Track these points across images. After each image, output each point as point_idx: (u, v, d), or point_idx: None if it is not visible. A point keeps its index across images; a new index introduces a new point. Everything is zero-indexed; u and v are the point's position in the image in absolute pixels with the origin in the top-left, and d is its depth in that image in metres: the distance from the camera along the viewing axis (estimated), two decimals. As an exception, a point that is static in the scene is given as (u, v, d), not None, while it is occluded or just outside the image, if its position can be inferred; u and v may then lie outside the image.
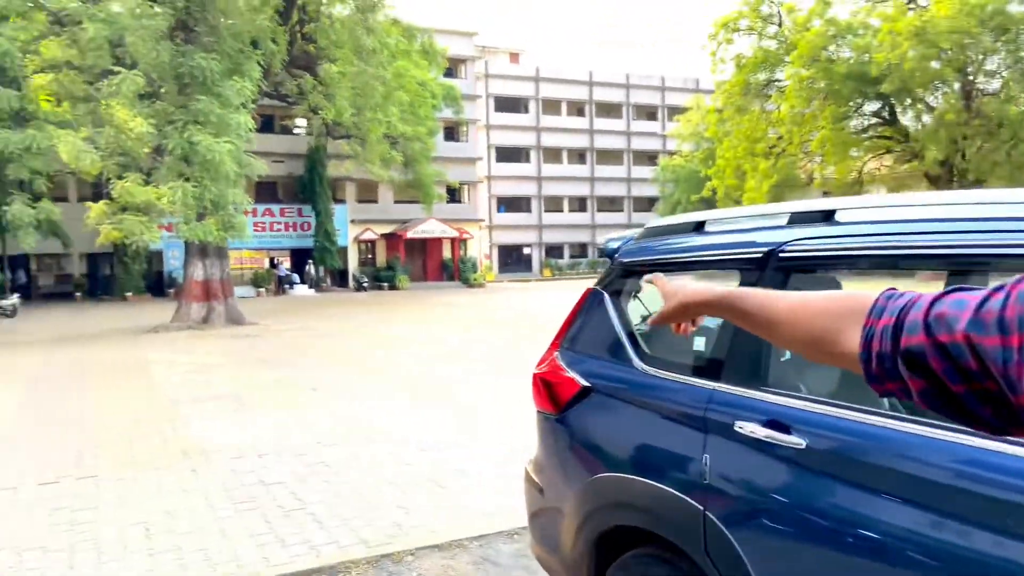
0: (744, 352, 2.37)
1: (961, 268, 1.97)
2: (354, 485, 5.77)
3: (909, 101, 28.82)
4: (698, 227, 2.78)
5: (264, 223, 38.18)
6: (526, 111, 55.72)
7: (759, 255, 2.41)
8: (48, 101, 17.75)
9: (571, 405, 2.93)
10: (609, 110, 58.74)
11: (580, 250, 58.46)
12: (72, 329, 20.81)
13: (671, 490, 2.41)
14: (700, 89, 54.89)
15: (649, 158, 59.52)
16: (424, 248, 44.34)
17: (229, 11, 17.50)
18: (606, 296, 3.03)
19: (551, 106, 56.55)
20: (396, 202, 43.33)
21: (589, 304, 3.11)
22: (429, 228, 42.18)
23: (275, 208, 39.44)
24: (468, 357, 13.20)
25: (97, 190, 29.93)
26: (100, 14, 16.88)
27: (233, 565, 4.31)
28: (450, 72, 42.51)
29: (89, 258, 37.92)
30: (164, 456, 6.77)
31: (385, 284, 40.96)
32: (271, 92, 24.45)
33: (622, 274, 3.04)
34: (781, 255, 2.34)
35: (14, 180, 21.37)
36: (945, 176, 28.45)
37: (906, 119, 29.86)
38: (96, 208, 17.28)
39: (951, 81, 27.42)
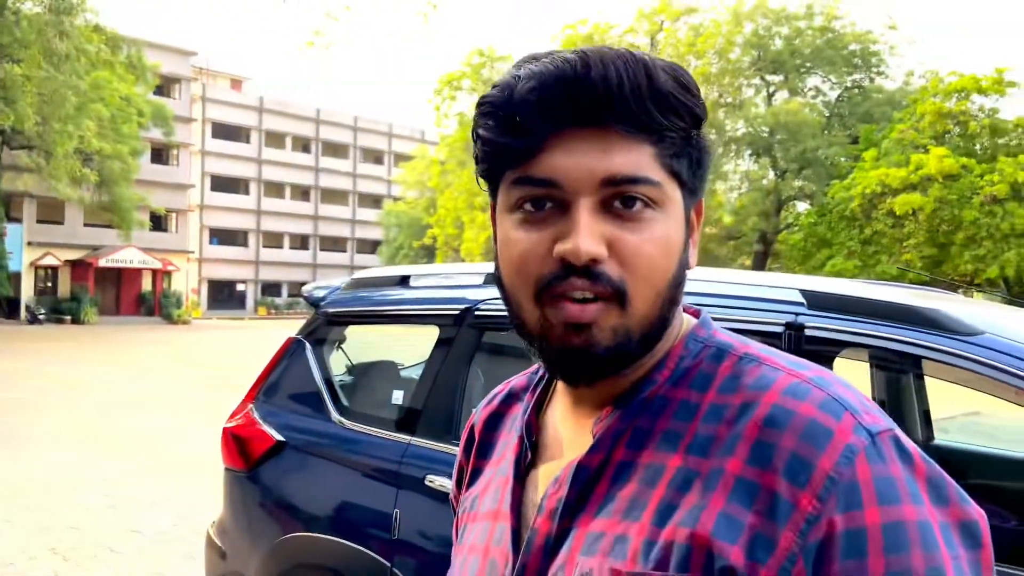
0: (438, 406, 2.43)
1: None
2: (3, 553, 4.91)
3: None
4: (403, 281, 2.82)
5: (-91, 239, 31.81)
6: (247, 141, 53.27)
7: (457, 312, 2.51)
8: None
9: (263, 461, 2.77)
10: (336, 150, 58.31)
11: (299, 289, 56.48)
12: None
13: (359, 547, 2.37)
14: (426, 140, 56.77)
15: (374, 201, 59.90)
16: (119, 279, 39.91)
17: None
18: (308, 346, 2.93)
19: (275, 139, 54.70)
20: (87, 225, 38.58)
21: (289, 354, 2.99)
22: (126, 256, 38.10)
23: (-75, 222, 33.07)
24: (153, 404, 12.01)
25: None
26: None
27: None
28: (161, 90, 39.36)
29: None
30: None
31: (68, 317, 36.05)
32: (-70, 86, 20.70)
33: (326, 323, 2.98)
34: (476, 313, 2.46)
35: None
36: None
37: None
38: None
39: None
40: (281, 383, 2.95)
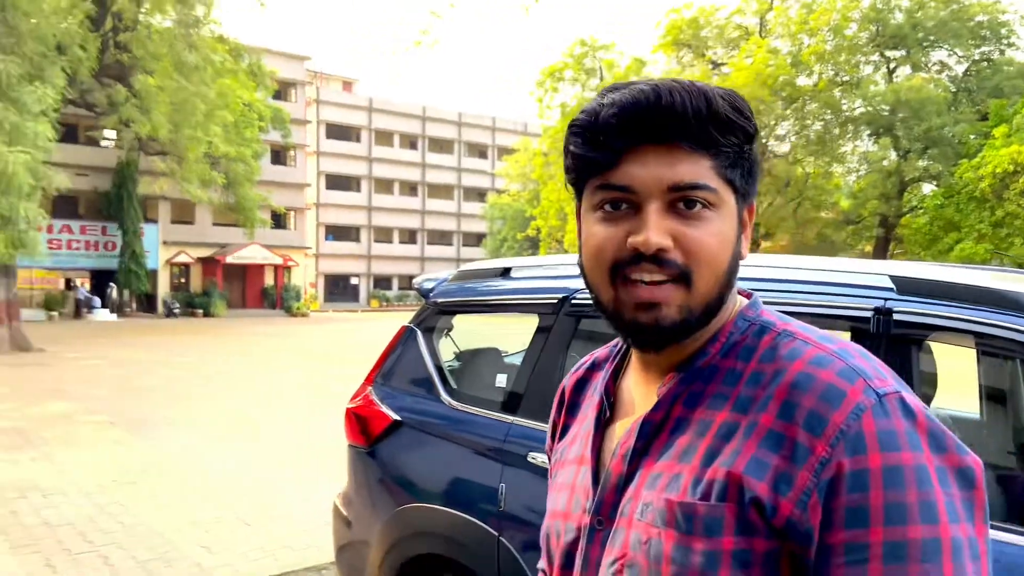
0: (539, 388, 2.59)
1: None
2: (152, 525, 5.46)
3: (711, 158, 31.68)
4: (504, 272, 3.00)
5: (60, 240, 34.91)
6: (358, 140, 55.27)
7: (555, 301, 2.66)
8: None
9: (381, 438, 3.03)
10: (441, 145, 59.59)
11: (408, 282, 58.33)
12: None
13: (471, 518, 2.57)
14: (528, 132, 57.09)
15: (479, 195, 60.84)
16: (244, 274, 42.40)
17: (32, 12, 16.08)
18: (419, 333, 3.17)
19: (384, 137, 56.49)
20: (215, 225, 41.20)
21: (403, 341, 3.23)
22: (251, 254, 40.44)
23: (75, 225, 36.18)
24: (282, 391, 12.81)
25: None
26: None
27: (7, 616, 3.96)
28: (279, 95, 41.41)
29: None
30: (-74, 499, 6.04)
31: (199, 311, 38.66)
32: (76, 100, 22.66)
33: (436, 313, 3.20)
34: (573, 302, 2.61)
35: None
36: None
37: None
38: None
39: (747, 143, 30.50)
40: (396, 368, 3.19)
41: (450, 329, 3.27)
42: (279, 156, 44.90)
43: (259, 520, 5.63)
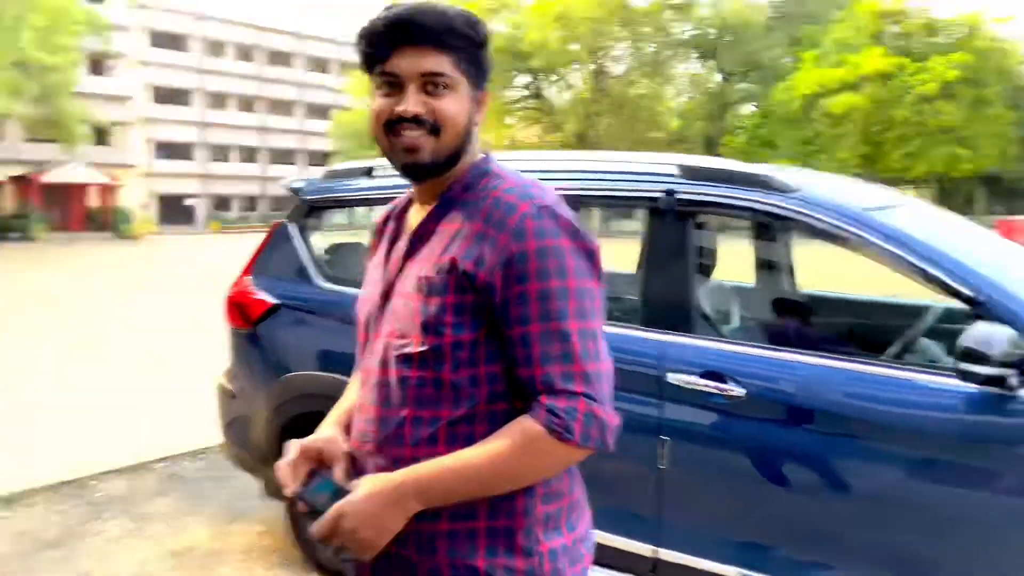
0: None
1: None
2: (17, 433, 5.52)
3: (554, 78, 32.48)
4: (368, 172, 3.40)
5: None
6: (187, 50, 51.39)
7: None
8: None
9: (261, 320, 3.41)
10: (280, 59, 56.59)
11: (250, 203, 55.99)
12: None
13: (347, 378, 3.04)
14: (373, 46, 55.25)
15: (323, 112, 58.69)
16: (66, 195, 39.09)
17: None
18: (292, 228, 3.53)
19: (216, 48, 52.83)
20: (28, 141, 37.49)
21: (278, 236, 3.58)
22: (71, 172, 37.30)
23: None
24: (116, 309, 12.48)
25: None
26: None
27: None
28: (94, -4, 37.60)
29: None
30: None
31: (15, 234, 35.44)
32: None
33: (307, 211, 3.56)
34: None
35: None
36: (580, 147, 32.63)
37: (551, 94, 33.68)
38: None
39: (586, 63, 31.46)
40: (271, 259, 3.55)
41: (320, 225, 3.65)
42: (98, 66, 41.08)
43: (120, 424, 5.81)
